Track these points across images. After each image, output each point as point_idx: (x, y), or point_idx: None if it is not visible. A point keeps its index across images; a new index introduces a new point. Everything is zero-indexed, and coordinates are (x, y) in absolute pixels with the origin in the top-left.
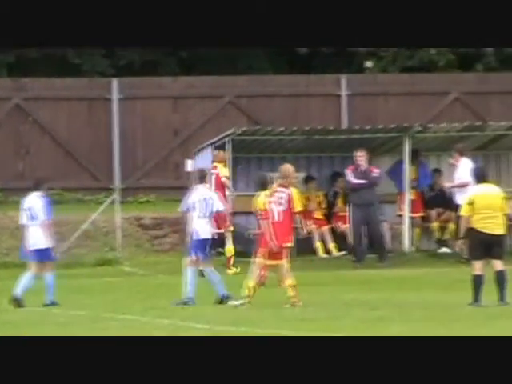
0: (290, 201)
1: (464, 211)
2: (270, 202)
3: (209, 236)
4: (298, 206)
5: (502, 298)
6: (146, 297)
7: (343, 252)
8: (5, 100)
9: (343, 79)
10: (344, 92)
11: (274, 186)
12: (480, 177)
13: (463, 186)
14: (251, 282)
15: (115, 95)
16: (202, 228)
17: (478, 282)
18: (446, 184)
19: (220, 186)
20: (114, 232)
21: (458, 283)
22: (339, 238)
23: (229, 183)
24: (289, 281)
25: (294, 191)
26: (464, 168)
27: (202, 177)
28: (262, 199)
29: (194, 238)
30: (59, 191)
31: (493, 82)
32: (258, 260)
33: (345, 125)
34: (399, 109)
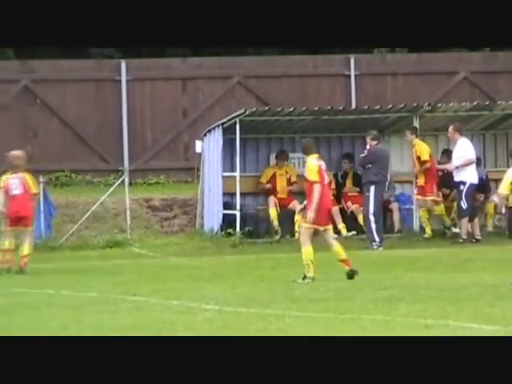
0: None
1: (505, 189)
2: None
3: None
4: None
5: None
6: (156, 278)
7: (353, 232)
8: (13, 82)
9: (352, 59)
10: (353, 72)
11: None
12: None
13: (469, 164)
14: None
15: (124, 76)
16: None
17: None
18: (448, 166)
19: None
20: (123, 214)
21: (467, 263)
22: (349, 218)
23: None
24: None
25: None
26: (463, 147)
27: None
28: None
29: None
30: (68, 173)
31: (500, 62)
32: None
33: (353, 105)
34: (408, 88)
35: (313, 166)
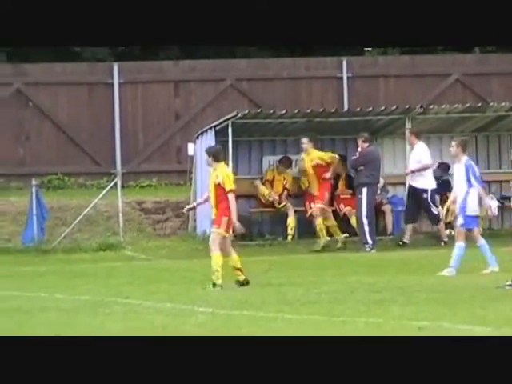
0: None
1: None
2: None
3: None
4: None
5: None
6: (149, 281)
7: (345, 234)
8: (5, 85)
9: (344, 61)
10: (345, 74)
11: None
12: None
13: (424, 169)
14: None
15: (116, 79)
16: None
17: None
18: (406, 170)
19: None
20: (115, 217)
21: (460, 264)
22: (341, 220)
23: None
24: None
25: None
26: (420, 151)
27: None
28: None
29: None
30: (60, 176)
31: (493, 63)
32: None
33: (346, 107)
34: (400, 90)
35: (230, 173)
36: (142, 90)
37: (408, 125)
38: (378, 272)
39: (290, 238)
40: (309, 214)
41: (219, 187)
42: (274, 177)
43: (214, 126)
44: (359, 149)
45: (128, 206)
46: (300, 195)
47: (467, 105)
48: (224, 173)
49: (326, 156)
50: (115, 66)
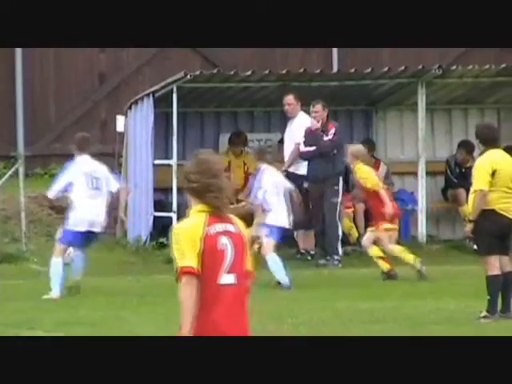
0: None
1: (484, 184)
2: None
3: None
4: None
5: (508, 308)
6: (62, 306)
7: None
8: None
9: None
10: None
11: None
12: (491, 139)
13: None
14: None
15: None
16: None
17: (497, 284)
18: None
19: None
20: (17, 216)
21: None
22: None
23: None
24: None
25: None
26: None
27: None
28: None
29: None
30: None
31: None
32: None
33: (335, 67)
34: None
35: None
36: None
37: (421, 92)
38: (377, 296)
39: (256, 247)
40: None
41: None
42: (229, 163)
43: (153, 92)
44: (311, 120)
45: (34, 202)
46: None
47: (503, 65)
48: None
49: None
50: None
